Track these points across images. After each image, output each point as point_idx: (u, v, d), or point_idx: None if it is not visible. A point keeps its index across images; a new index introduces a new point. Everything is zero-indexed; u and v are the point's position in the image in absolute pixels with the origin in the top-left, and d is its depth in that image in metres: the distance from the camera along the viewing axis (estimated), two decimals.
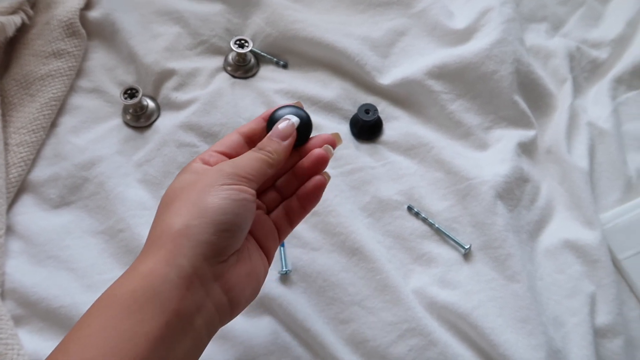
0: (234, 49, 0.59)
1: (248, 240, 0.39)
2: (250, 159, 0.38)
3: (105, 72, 0.60)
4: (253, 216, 0.37)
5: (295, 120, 0.41)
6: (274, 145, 0.39)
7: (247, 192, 0.36)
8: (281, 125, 0.40)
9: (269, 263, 0.41)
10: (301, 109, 0.42)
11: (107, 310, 0.32)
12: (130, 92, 0.56)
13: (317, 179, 0.42)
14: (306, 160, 0.42)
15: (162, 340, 0.31)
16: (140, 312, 0.31)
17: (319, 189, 0.42)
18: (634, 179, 0.58)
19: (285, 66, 0.62)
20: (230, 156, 0.40)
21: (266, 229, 0.41)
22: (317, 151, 0.42)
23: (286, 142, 0.40)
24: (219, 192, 0.35)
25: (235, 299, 0.36)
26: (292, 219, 0.43)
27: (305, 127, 0.42)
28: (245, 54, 0.60)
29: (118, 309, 0.31)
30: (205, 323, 0.34)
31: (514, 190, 0.55)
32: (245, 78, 0.61)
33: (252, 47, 0.61)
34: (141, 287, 0.32)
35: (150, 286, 0.32)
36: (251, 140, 0.42)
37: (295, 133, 0.41)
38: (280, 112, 0.42)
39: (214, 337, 0.47)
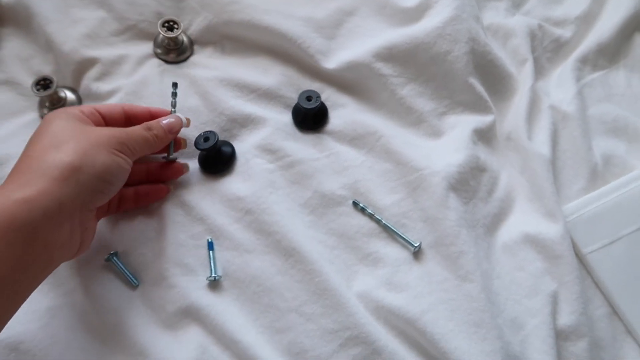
0: (162, 32, 0.54)
1: None
2: (140, 135, 0.43)
3: (19, 62, 0.55)
4: (123, 184, 0.42)
5: (184, 120, 0.47)
6: (162, 132, 0.45)
7: (128, 164, 0.42)
8: (174, 119, 0.46)
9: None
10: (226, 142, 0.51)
11: None
12: (44, 83, 0.51)
13: (162, 187, 0.49)
14: (167, 164, 0.49)
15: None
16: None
17: (159, 195, 0.49)
18: (599, 165, 0.53)
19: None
20: (106, 122, 0.45)
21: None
22: (180, 163, 0.50)
23: (170, 135, 0.46)
24: (110, 155, 0.40)
25: (83, 245, 0.41)
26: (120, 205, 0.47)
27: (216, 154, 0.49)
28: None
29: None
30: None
31: (469, 181, 0.51)
32: (178, 62, 0.56)
33: (183, 29, 0.55)
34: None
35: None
36: (130, 122, 0.46)
37: (178, 131, 0.47)
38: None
39: (129, 353, 0.43)
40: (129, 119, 0.46)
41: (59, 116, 0.41)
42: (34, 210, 0.35)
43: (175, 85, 0.49)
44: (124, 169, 0.41)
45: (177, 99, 0.49)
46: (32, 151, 0.39)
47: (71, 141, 0.39)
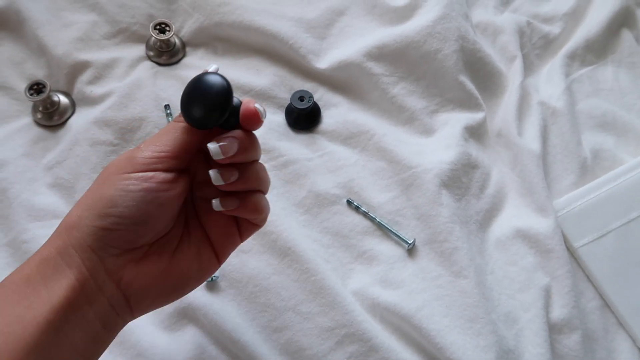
0: (154, 35, 0.54)
1: (189, 234, 0.35)
2: (164, 132, 0.33)
3: (12, 66, 0.54)
4: (165, 207, 0.33)
5: (213, 67, 0.33)
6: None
7: (154, 180, 0.32)
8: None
9: (220, 263, 0.36)
10: (219, 75, 0.31)
11: (0, 294, 0.31)
12: (37, 88, 0.51)
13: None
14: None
15: (50, 326, 0.30)
16: (30, 297, 0.30)
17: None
18: (589, 160, 0.54)
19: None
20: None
21: (219, 222, 0.36)
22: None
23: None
24: (116, 181, 0.32)
25: (134, 296, 0.33)
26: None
27: (223, 97, 0.31)
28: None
29: (11, 293, 0.31)
30: (98, 316, 0.32)
31: (461, 178, 0.51)
32: (171, 64, 0.56)
33: (174, 31, 0.55)
34: (35, 273, 0.31)
35: (43, 273, 0.31)
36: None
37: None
38: (183, 91, 0.32)
39: (128, 355, 0.43)
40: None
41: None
42: (47, 271, 0.32)
43: (167, 106, 0.49)
44: (138, 192, 0.31)
45: (172, 108, 0.50)
46: None
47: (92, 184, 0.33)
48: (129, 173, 0.32)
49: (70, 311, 0.31)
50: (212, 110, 0.31)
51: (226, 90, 0.31)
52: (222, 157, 0.32)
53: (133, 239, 0.32)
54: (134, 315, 0.34)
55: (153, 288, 0.34)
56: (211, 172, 0.33)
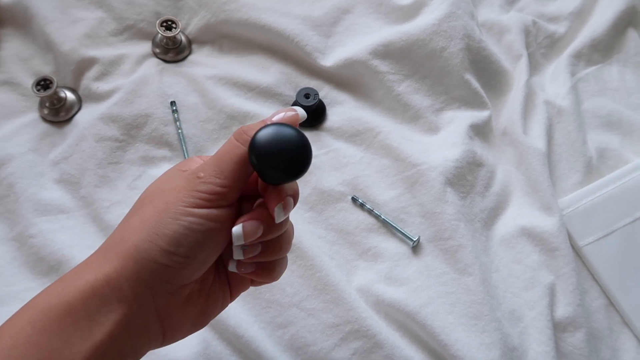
0: (161, 32, 0.54)
1: (218, 273, 0.35)
2: (224, 155, 0.30)
3: (19, 62, 0.55)
4: (220, 247, 0.31)
5: (301, 113, 0.31)
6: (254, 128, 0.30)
7: (218, 220, 0.30)
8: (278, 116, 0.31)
9: (231, 300, 0.36)
10: (293, 127, 0.30)
11: (36, 321, 0.28)
12: (44, 83, 0.51)
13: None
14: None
15: None
16: (70, 329, 0.28)
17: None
18: (594, 159, 0.54)
19: None
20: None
21: None
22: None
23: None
24: (179, 215, 0.29)
25: (171, 332, 0.33)
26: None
27: (297, 151, 0.29)
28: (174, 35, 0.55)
29: (49, 323, 0.28)
30: (132, 350, 0.31)
31: (466, 176, 0.51)
32: (177, 61, 0.56)
33: (181, 28, 0.56)
34: (78, 301, 0.29)
35: (87, 303, 0.29)
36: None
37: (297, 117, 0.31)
38: (262, 132, 0.29)
39: None
40: None
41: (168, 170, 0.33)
42: (92, 302, 0.30)
43: (173, 103, 0.50)
44: (202, 232, 0.30)
45: (178, 104, 0.50)
46: (127, 214, 0.33)
47: (148, 204, 0.31)
48: (192, 208, 0.30)
49: (109, 347, 0.29)
50: (287, 175, 0.29)
51: (309, 159, 0.30)
52: (242, 242, 0.30)
53: (189, 276, 0.31)
54: (162, 346, 0.33)
55: (189, 325, 0.33)
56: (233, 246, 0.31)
